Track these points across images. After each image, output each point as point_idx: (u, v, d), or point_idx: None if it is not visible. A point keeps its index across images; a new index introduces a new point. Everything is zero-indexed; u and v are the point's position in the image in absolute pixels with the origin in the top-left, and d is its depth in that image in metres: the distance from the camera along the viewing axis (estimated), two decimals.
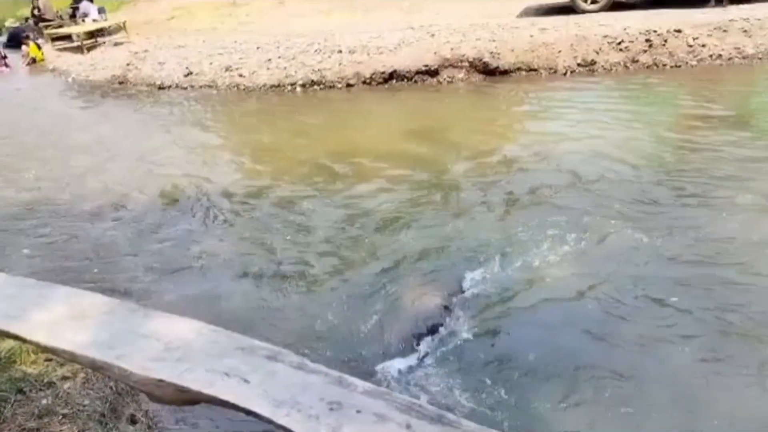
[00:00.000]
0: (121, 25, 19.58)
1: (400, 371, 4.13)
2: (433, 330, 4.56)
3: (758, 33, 12.46)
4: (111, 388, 3.73)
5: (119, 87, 15.04)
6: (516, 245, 5.57)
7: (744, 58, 12.36)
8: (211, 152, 9.20)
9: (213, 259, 5.88)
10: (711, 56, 12.44)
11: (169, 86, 14.26)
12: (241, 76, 13.68)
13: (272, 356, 2.48)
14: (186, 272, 5.73)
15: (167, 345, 2.57)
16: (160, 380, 2.37)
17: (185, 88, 13.94)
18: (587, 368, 4.04)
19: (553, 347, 4.27)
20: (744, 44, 12.51)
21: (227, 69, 14.01)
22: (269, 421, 2.15)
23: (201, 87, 13.87)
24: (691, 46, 12.59)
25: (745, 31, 12.51)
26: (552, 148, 8.07)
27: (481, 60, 12.82)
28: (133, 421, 3.68)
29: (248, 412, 2.24)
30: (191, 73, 14.31)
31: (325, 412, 2.16)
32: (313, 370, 2.41)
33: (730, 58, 12.36)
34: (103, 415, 3.52)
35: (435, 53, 12.88)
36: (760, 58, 12.29)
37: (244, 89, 13.17)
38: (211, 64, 14.47)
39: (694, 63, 12.35)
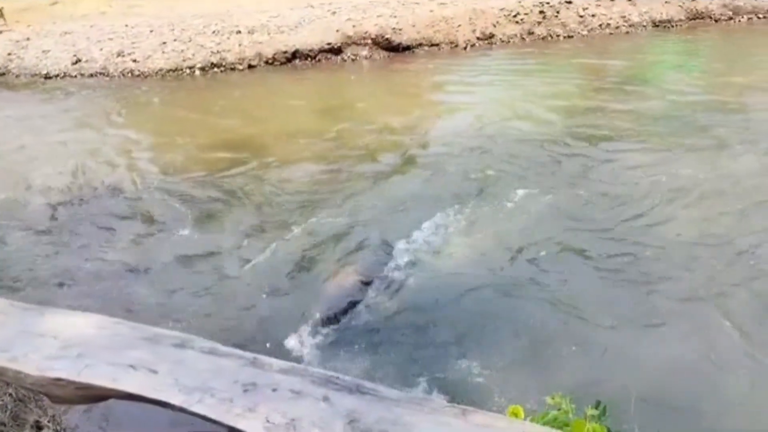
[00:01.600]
0: None
1: (319, 347, 4.10)
2: (352, 305, 4.55)
3: (642, 1, 13.15)
4: (10, 395, 3.48)
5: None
6: (428, 216, 5.64)
7: (631, 26, 13.04)
8: (101, 145, 8.69)
9: (116, 252, 5.60)
10: (600, 25, 13.04)
11: (57, 75, 13.36)
12: (134, 61, 13.02)
13: (181, 344, 2.39)
14: (86, 269, 5.41)
15: (65, 342, 2.42)
16: (59, 379, 2.23)
17: (74, 77, 13.12)
18: (499, 331, 4.16)
19: (465, 312, 4.37)
20: (630, 13, 13.19)
21: (119, 54, 13.30)
22: (181, 410, 2.07)
23: (92, 75, 13.09)
24: (581, 16, 13.14)
25: (630, 0, 13.17)
26: (456, 120, 8.22)
27: (383, 37, 12.83)
28: (38, 427, 3.46)
29: (158, 403, 2.15)
30: (80, 61, 13.47)
31: (240, 394, 2.10)
32: (226, 353, 2.34)
33: (617, 27, 13.01)
34: (3, 425, 3.28)
35: (337, 31, 12.77)
36: (644, 26, 13.01)
37: (139, 75, 12.55)
38: (101, 50, 13.68)
39: (585, 33, 12.91)
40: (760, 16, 13.92)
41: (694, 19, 13.81)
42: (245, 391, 2.12)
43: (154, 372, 2.22)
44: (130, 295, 4.87)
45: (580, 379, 3.67)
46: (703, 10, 13.93)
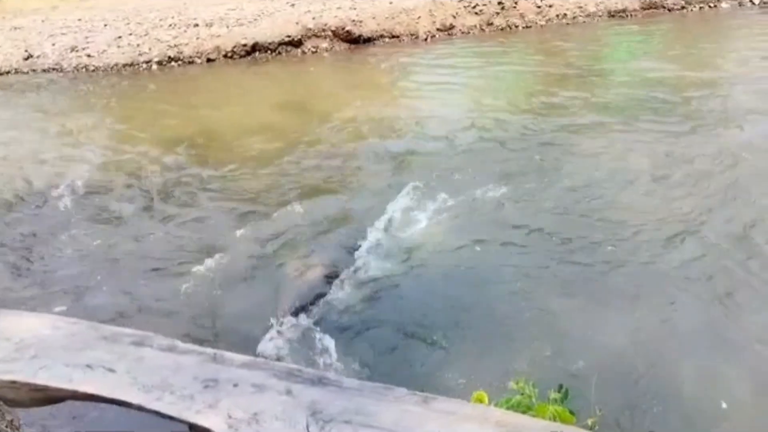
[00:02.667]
0: None
1: (285, 341, 4.08)
2: (317, 298, 4.54)
3: None
4: None
5: None
6: (391, 209, 5.65)
7: (587, 16, 13.24)
8: (58, 143, 8.46)
9: (71, 251, 5.46)
10: (557, 16, 13.21)
11: (7, 72, 12.93)
12: (89, 56, 12.69)
13: (139, 342, 2.35)
14: (37, 269, 5.27)
15: (19, 344, 2.35)
16: (13, 382, 2.17)
17: (26, 73, 12.72)
18: (465, 319, 4.20)
19: (430, 303, 4.40)
20: (586, 3, 13.38)
21: (73, 49, 12.95)
22: (140, 408, 2.03)
23: (44, 70, 12.71)
24: (539, 7, 13.29)
25: None
26: (417, 113, 8.24)
27: (344, 29, 12.77)
28: None
29: (117, 402, 2.11)
30: (31, 56, 13.07)
31: (200, 391, 2.07)
32: (185, 350, 2.31)
33: (574, 17, 13.19)
34: None
35: (297, 23, 12.66)
36: (600, 16, 13.22)
37: (93, 70, 12.24)
38: (53, 45, 13.30)
39: (543, 23, 13.07)
40: (711, 5, 14.28)
41: (649, 8, 14.09)
42: (206, 387, 2.09)
43: (112, 371, 2.18)
44: (86, 295, 4.77)
45: (544, 362, 3.74)
46: (657, 1, 14.22)
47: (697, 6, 14.22)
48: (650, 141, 6.76)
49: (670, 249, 4.76)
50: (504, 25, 13.09)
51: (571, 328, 3.99)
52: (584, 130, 7.16)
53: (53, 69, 12.68)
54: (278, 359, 3.78)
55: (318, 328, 4.22)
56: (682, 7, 14.17)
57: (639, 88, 8.73)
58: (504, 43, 11.88)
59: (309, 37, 12.65)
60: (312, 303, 4.52)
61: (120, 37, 12.98)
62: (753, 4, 14.21)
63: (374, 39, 12.67)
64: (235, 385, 2.11)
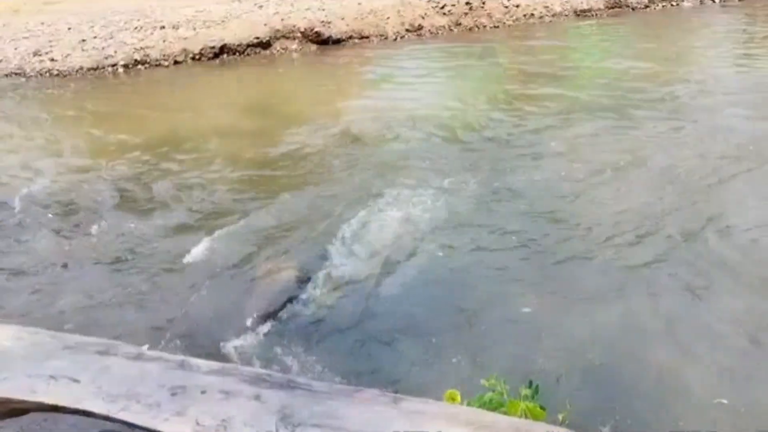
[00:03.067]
0: None
1: (255, 345, 4.05)
2: (288, 301, 4.51)
3: None
4: None
5: None
6: (357, 211, 5.64)
7: (554, 15, 13.41)
8: (18, 147, 8.25)
9: (34, 257, 5.34)
10: (525, 15, 13.35)
11: None
12: (52, 60, 12.43)
13: (105, 351, 2.31)
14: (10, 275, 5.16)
15: None
16: None
17: None
18: (435, 318, 4.22)
19: (400, 303, 4.41)
20: (552, 3, 13.54)
21: (36, 54, 12.67)
22: (106, 418, 2.00)
23: (7, 75, 12.40)
24: (506, 6, 13.42)
25: None
26: (386, 113, 8.25)
27: (313, 30, 12.74)
28: None
29: (82, 413, 2.07)
30: None
31: (168, 399, 2.05)
32: (152, 358, 2.28)
33: (541, 17, 13.35)
34: None
35: (265, 25, 12.59)
36: (566, 15, 13.40)
37: (57, 74, 11.99)
38: (15, 49, 13.00)
39: (511, 22, 13.20)
40: (674, 3, 14.59)
41: (613, 8, 14.34)
42: (173, 394, 2.07)
43: (76, 381, 2.14)
44: (50, 303, 4.66)
45: (515, 359, 3.77)
46: (621, 0, 14.48)
47: (659, 4, 14.50)
48: (611, 137, 6.88)
49: (637, 244, 4.85)
50: (472, 25, 13.20)
51: (540, 326, 4.03)
52: (549, 127, 7.26)
53: (15, 74, 12.38)
54: (247, 364, 3.75)
55: (288, 331, 4.20)
56: (646, 6, 14.44)
57: (601, 85, 8.87)
58: (472, 42, 11.95)
59: (278, 39, 12.59)
60: (282, 306, 4.49)
61: (84, 40, 12.75)
62: (713, 2, 14.54)
63: (343, 40, 12.66)
64: (203, 392, 2.09)
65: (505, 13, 13.33)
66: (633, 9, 14.34)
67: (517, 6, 13.52)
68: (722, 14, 13.70)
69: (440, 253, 5.00)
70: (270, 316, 4.39)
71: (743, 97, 8.06)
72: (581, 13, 13.84)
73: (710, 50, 10.67)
